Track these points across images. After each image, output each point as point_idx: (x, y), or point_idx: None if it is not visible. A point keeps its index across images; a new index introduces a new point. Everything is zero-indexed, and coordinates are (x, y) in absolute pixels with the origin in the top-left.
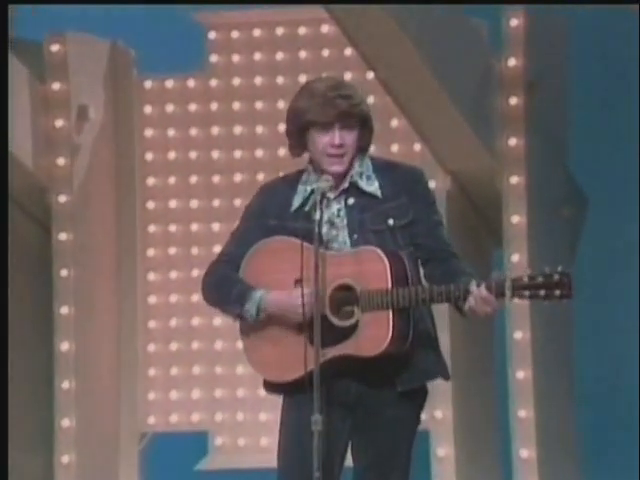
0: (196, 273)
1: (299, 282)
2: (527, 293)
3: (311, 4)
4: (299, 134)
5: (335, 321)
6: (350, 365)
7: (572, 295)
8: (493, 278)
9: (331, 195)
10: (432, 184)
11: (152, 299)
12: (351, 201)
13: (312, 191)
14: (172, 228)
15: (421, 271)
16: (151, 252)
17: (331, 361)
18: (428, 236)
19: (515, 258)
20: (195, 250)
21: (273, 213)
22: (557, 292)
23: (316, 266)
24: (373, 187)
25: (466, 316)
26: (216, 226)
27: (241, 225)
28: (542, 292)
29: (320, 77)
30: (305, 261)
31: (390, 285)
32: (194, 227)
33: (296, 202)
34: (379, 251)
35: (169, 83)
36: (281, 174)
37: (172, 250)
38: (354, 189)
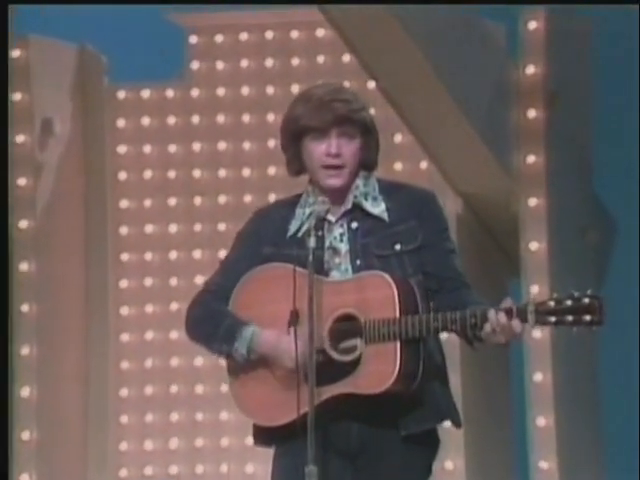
0: (175, 307)
1: (294, 315)
2: (553, 319)
3: (305, 4)
4: (294, 146)
5: (335, 356)
6: (351, 406)
7: (603, 321)
8: (513, 303)
9: (332, 218)
10: None
11: (125, 337)
12: (354, 225)
13: (310, 214)
14: (148, 256)
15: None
16: (124, 284)
17: (329, 401)
18: (438, 264)
19: (534, 289)
20: (174, 281)
21: (268, 240)
22: (587, 317)
23: (310, 299)
24: (379, 209)
25: (481, 342)
26: (198, 254)
27: (232, 253)
28: (570, 318)
29: (319, 83)
30: (300, 290)
31: (398, 313)
32: (173, 255)
33: (293, 227)
34: (386, 276)
35: (145, 93)
36: (272, 196)
37: (148, 281)
38: (358, 211)
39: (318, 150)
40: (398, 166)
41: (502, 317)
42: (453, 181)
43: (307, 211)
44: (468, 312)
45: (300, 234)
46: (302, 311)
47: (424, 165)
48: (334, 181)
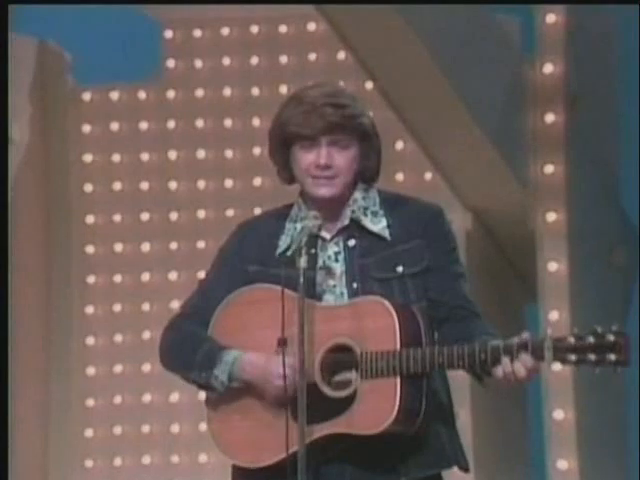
0: (148, 336)
1: (282, 343)
2: (573, 357)
3: (300, 4)
4: (283, 153)
5: (327, 391)
6: (344, 447)
7: (629, 361)
8: (529, 337)
9: (327, 235)
10: None
11: (91, 370)
12: (352, 243)
13: (302, 229)
14: (118, 279)
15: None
16: (90, 309)
17: (320, 441)
18: (445, 290)
19: (554, 316)
20: (147, 306)
21: (254, 257)
22: (611, 357)
23: (300, 326)
24: (380, 226)
25: (491, 377)
26: (174, 275)
27: (212, 272)
28: (592, 357)
29: (316, 83)
30: (289, 316)
31: (399, 345)
32: (146, 277)
33: (283, 243)
34: (386, 302)
35: (114, 95)
36: (258, 210)
37: (117, 307)
38: (356, 228)
39: (306, 160)
40: (399, 177)
41: (519, 368)
42: (461, 194)
43: (298, 226)
44: (477, 347)
45: (290, 252)
46: (291, 339)
47: (429, 176)
48: (325, 190)
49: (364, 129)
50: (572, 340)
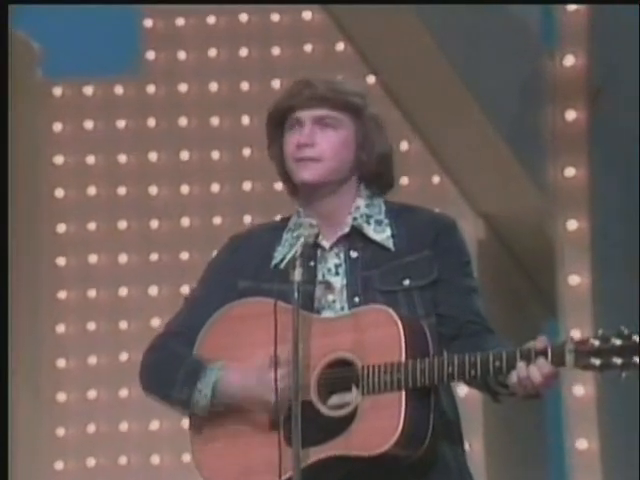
0: (125, 357)
1: (275, 359)
2: (597, 362)
3: (308, 4)
4: (276, 142)
5: (324, 410)
6: (343, 471)
7: None
8: (548, 341)
9: (326, 244)
10: None
11: (62, 396)
12: (354, 254)
13: (298, 239)
14: (92, 294)
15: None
16: (61, 328)
17: (316, 466)
18: (456, 305)
19: (576, 334)
20: (124, 324)
21: (246, 271)
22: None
23: (295, 341)
24: (383, 235)
25: (506, 390)
26: (154, 290)
27: (200, 287)
28: (618, 360)
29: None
30: (283, 331)
31: (404, 356)
32: (123, 292)
33: (279, 255)
34: (390, 310)
35: (88, 90)
36: (248, 218)
37: (91, 325)
38: (358, 237)
39: (290, 140)
40: (404, 181)
41: (535, 373)
42: (472, 199)
43: (296, 235)
44: (491, 354)
45: (284, 263)
46: (286, 357)
47: (436, 179)
48: (307, 174)
49: (357, 109)
50: (596, 342)
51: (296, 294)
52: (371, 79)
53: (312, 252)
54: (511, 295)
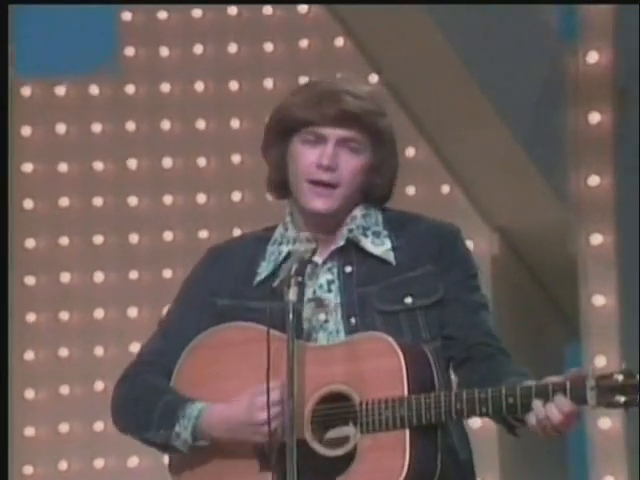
0: (101, 386)
1: (267, 392)
2: (622, 399)
3: (313, 4)
4: (279, 146)
5: (320, 449)
6: None
7: None
8: (568, 376)
9: (318, 259)
10: (470, 245)
11: (30, 431)
12: (349, 269)
13: (289, 253)
14: (64, 316)
15: (453, 378)
16: (30, 355)
17: None
18: (464, 325)
19: (600, 361)
20: (100, 350)
21: (226, 288)
22: None
23: (290, 371)
24: (383, 248)
25: (524, 425)
26: (133, 311)
27: (175, 310)
28: None
29: (333, 78)
30: (273, 360)
31: (407, 391)
32: (99, 314)
33: (263, 270)
34: (389, 339)
35: (60, 90)
36: (237, 232)
37: (63, 351)
38: (353, 250)
39: (307, 157)
40: (410, 190)
41: (554, 413)
42: (487, 211)
43: (284, 249)
44: (504, 389)
45: (276, 281)
46: (276, 391)
47: (446, 189)
48: (320, 203)
49: (382, 132)
50: (620, 378)
51: (291, 315)
52: (374, 78)
53: (302, 268)
54: (529, 317)
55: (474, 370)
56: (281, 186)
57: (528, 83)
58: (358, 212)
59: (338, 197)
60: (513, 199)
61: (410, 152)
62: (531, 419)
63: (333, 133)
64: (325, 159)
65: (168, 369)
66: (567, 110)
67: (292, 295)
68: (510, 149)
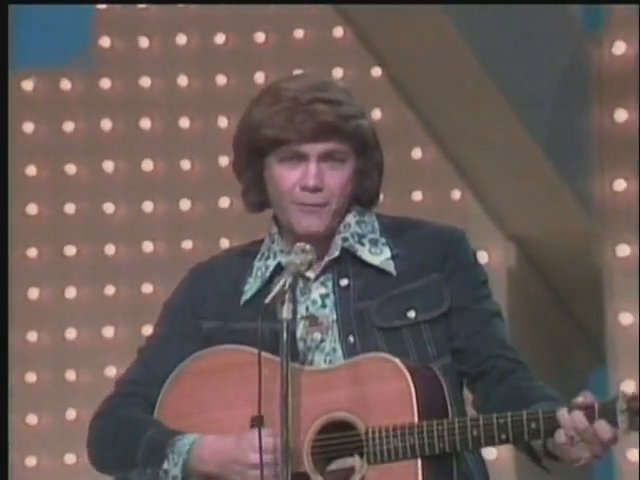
0: (73, 415)
1: (257, 422)
2: None
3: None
4: (253, 167)
5: None
6: None
7: None
8: (595, 398)
9: (310, 274)
10: (483, 256)
11: None
12: (344, 282)
13: (278, 268)
14: (32, 337)
15: (467, 396)
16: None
17: None
18: (475, 336)
19: (629, 386)
20: (72, 375)
21: (211, 310)
22: None
23: (284, 397)
24: (382, 257)
25: (552, 458)
26: (109, 331)
27: (156, 336)
28: None
29: (294, 75)
30: (266, 386)
31: (417, 416)
32: (71, 334)
33: (250, 288)
34: (396, 360)
35: (28, 85)
36: (225, 242)
37: (31, 376)
38: (349, 261)
39: (288, 178)
40: (417, 196)
41: (579, 418)
42: (502, 219)
43: (271, 264)
44: (525, 413)
45: (260, 299)
46: (270, 419)
47: (456, 195)
48: (311, 223)
49: (364, 136)
50: None
51: (285, 335)
52: (376, 72)
53: (293, 283)
54: (548, 338)
55: (491, 388)
56: (261, 205)
57: (547, 77)
58: (352, 219)
59: (329, 214)
60: (531, 205)
61: (417, 153)
62: (560, 436)
63: (313, 149)
64: (310, 180)
65: (150, 400)
66: (591, 107)
67: (286, 312)
68: (527, 150)
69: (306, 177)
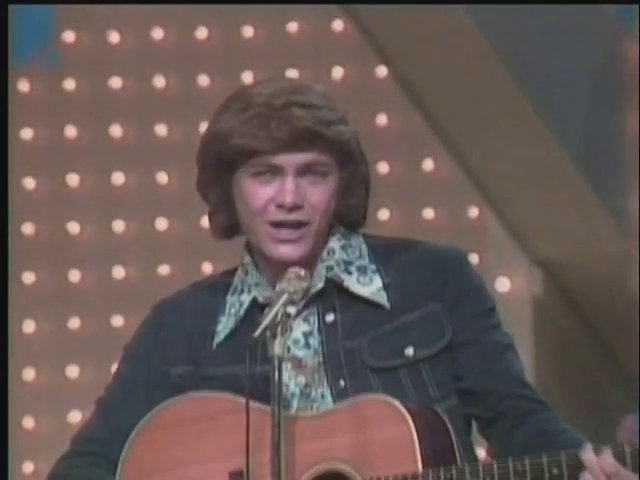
0: (30, 468)
1: (236, 477)
2: None
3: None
4: (220, 184)
5: None
6: None
7: None
8: (626, 439)
9: (291, 309)
10: (504, 283)
11: None
12: (330, 317)
13: (254, 304)
14: None
15: (475, 436)
16: None
17: None
18: (487, 373)
19: None
20: (29, 422)
21: (179, 353)
22: None
23: (276, 446)
24: (372, 288)
25: None
26: (73, 371)
27: (118, 382)
28: None
29: (266, 79)
30: (254, 434)
31: (421, 464)
32: (29, 375)
33: (223, 329)
34: (395, 402)
35: None
36: (208, 267)
37: None
38: (335, 293)
39: (261, 195)
40: (428, 213)
41: (608, 460)
42: (526, 241)
43: (246, 299)
44: (545, 457)
45: (235, 340)
46: (252, 473)
47: (474, 212)
48: (288, 250)
49: (347, 144)
50: None
51: (276, 374)
52: (381, 71)
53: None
54: (578, 375)
55: (509, 433)
56: (231, 229)
57: (578, 79)
58: (336, 243)
59: (309, 236)
60: (559, 225)
61: (428, 165)
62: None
63: (290, 161)
64: (287, 196)
65: (112, 460)
66: (626, 113)
67: (278, 348)
68: (555, 161)
69: (282, 193)
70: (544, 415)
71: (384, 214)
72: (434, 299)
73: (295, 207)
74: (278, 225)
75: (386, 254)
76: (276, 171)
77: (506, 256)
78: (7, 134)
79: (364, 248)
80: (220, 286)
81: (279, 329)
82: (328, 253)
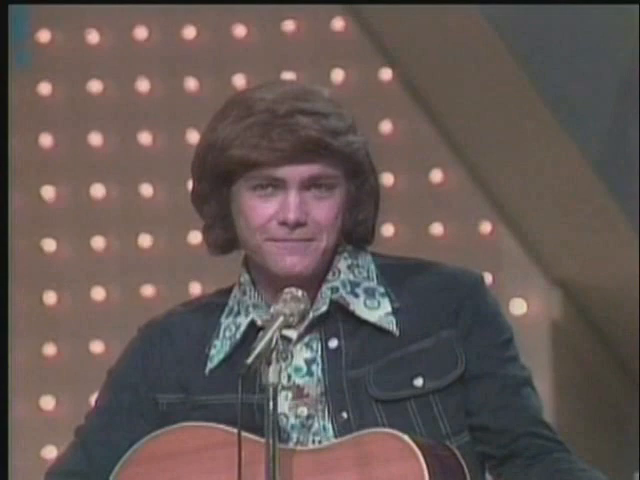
0: None
1: None
2: None
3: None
4: (217, 197)
5: None
6: None
7: None
8: None
9: (292, 332)
10: (520, 305)
11: None
12: (334, 343)
13: (251, 327)
14: None
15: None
16: None
17: None
18: (502, 411)
19: None
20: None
21: (169, 380)
22: None
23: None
24: (380, 312)
25: None
26: (49, 402)
27: (100, 411)
28: None
29: (267, 82)
30: (246, 469)
31: None
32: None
33: (217, 353)
34: (405, 437)
35: None
36: (197, 287)
37: None
38: (340, 317)
39: (262, 211)
40: (436, 229)
41: None
42: (544, 260)
43: (242, 322)
44: None
45: (230, 364)
46: None
47: (486, 228)
48: (293, 262)
49: (356, 156)
50: None
51: (271, 404)
52: (386, 74)
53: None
54: (602, 405)
55: (523, 473)
56: (229, 244)
57: (602, 83)
58: (342, 263)
59: (316, 252)
60: (579, 243)
61: (436, 176)
62: None
63: (294, 174)
64: (290, 213)
65: None
66: None
67: (273, 376)
68: (576, 174)
69: (285, 210)
70: (561, 455)
71: (388, 230)
72: (447, 326)
73: (298, 224)
74: (279, 240)
75: (396, 275)
76: (278, 185)
77: (521, 276)
78: (7, 130)
79: (372, 268)
80: (214, 307)
81: (274, 355)
82: (333, 273)
